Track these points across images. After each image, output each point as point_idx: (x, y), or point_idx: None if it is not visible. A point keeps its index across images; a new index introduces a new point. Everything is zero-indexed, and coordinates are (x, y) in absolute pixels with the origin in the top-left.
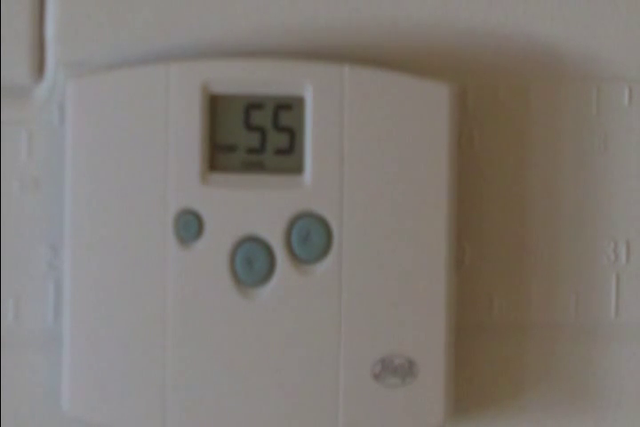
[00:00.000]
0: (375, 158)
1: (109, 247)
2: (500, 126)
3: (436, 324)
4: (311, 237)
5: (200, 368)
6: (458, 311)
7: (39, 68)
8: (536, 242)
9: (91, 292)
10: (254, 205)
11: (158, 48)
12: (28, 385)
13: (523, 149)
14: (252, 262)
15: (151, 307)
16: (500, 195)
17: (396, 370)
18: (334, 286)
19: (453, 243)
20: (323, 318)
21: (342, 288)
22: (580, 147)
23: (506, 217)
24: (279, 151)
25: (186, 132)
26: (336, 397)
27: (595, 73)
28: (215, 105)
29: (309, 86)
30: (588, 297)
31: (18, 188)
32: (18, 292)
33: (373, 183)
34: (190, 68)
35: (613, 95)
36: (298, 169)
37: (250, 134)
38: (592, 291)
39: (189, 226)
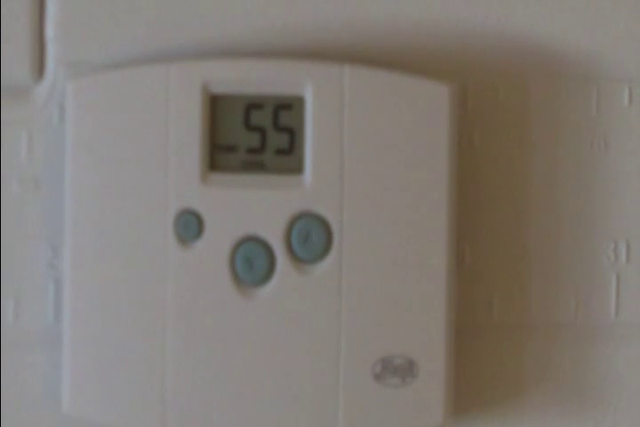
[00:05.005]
0: (375, 158)
1: (109, 247)
2: (499, 126)
3: (435, 324)
4: (311, 237)
5: (200, 368)
6: (458, 311)
7: (39, 68)
8: (536, 242)
9: (91, 292)
10: (254, 205)
11: (158, 48)
12: (27, 385)
13: (523, 148)
14: (252, 262)
15: (151, 307)
16: (499, 195)
17: (396, 370)
18: (334, 286)
19: (453, 243)
20: (323, 318)
21: (342, 288)
22: (580, 147)
23: (506, 217)
24: (279, 151)
25: (186, 132)
26: (336, 397)
27: (595, 73)
28: (215, 105)
29: (309, 86)
30: (588, 297)
31: (18, 188)
32: (18, 292)
33: (373, 183)
34: (190, 68)
35: (613, 95)
36: (298, 169)
37: (250, 134)
38: (592, 291)
39: (189, 226)
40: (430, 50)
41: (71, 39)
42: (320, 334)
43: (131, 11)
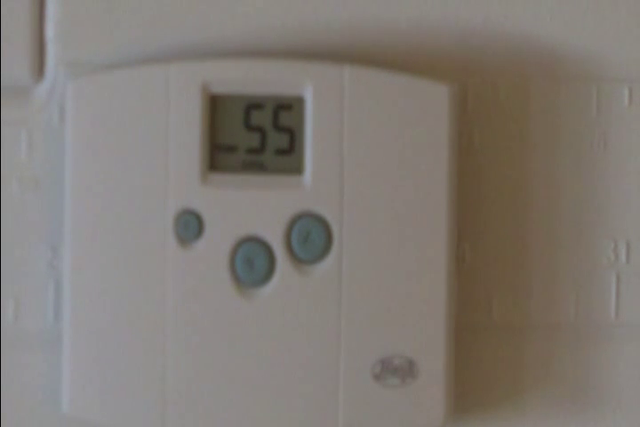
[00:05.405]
0: (375, 158)
1: (109, 247)
2: (500, 126)
3: (436, 324)
4: (311, 237)
5: (200, 368)
6: (458, 311)
7: (39, 68)
8: (536, 242)
9: (91, 292)
10: (254, 205)
11: (158, 48)
12: (28, 385)
13: (523, 148)
14: (252, 262)
15: (151, 307)
16: (499, 195)
17: (396, 370)
18: (334, 286)
19: (453, 243)
20: (323, 318)
21: (342, 288)
22: (580, 147)
23: (506, 217)
24: (279, 151)
25: (186, 132)
26: (336, 397)
27: (595, 73)
28: (215, 105)
29: (309, 86)
30: (588, 297)
31: (18, 188)
32: (18, 292)
33: (373, 183)
34: (190, 68)
35: (613, 95)
36: (298, 169)
37: (250, 134)
38: (592, 291)
39: (189, 226)
40: (430, 50)
41: (71, 39)
42: (320, 334)
43: (131, 11)
